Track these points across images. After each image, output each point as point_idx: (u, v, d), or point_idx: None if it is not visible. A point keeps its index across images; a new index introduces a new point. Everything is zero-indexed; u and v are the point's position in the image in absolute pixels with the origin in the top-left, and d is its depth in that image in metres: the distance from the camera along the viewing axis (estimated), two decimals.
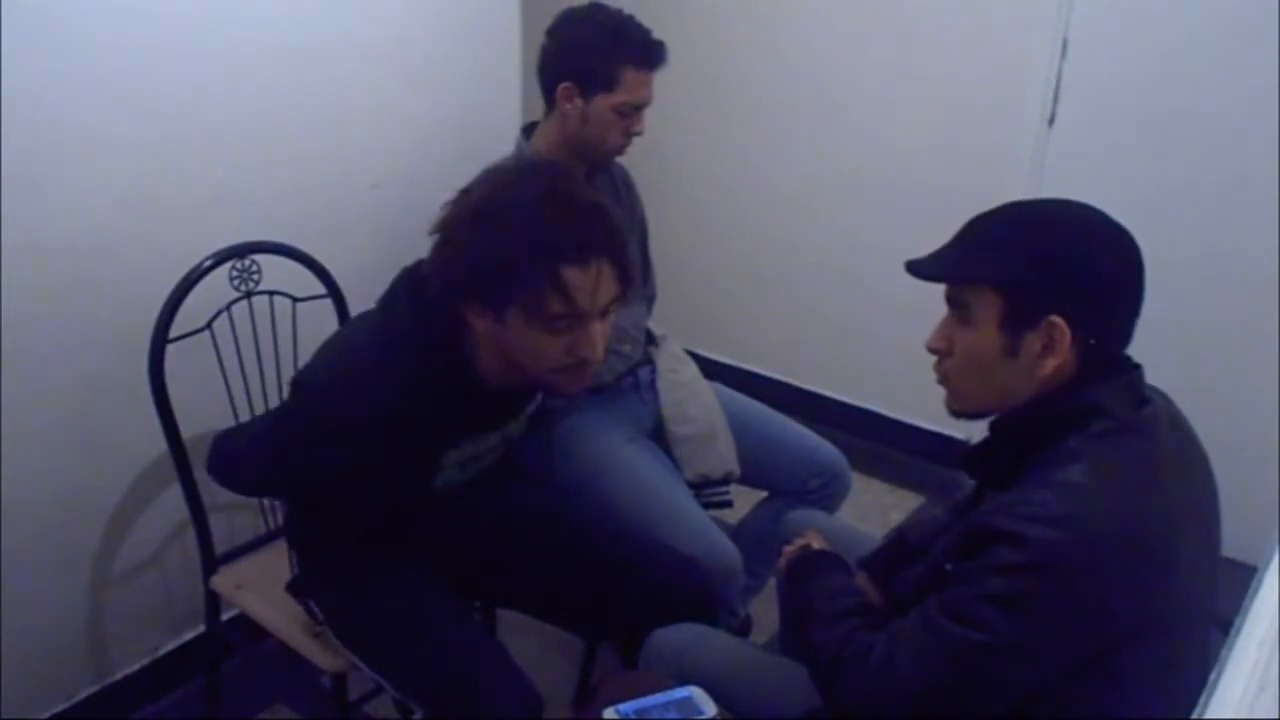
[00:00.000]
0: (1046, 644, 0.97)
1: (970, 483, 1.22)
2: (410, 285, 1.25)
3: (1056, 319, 1.00)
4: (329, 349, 1.29)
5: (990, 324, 1.04)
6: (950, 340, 1.09)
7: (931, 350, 1.12)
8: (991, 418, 1.12)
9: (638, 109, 1.69)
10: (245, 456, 1.40)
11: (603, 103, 1.66)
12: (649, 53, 1.66)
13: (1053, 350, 1.02)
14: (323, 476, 1.27)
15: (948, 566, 1.04)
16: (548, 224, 1.11)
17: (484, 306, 1.15)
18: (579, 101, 1.68)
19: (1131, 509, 0.97)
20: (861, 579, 1.30)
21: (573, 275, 1.11)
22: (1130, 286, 1.04)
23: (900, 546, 1.33)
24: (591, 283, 1.13)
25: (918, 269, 1.09)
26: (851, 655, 1.07)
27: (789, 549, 1.35)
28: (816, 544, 1.33)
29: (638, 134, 1.72)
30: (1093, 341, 1.02)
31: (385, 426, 1.18)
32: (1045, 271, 1.02)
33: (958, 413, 1.13)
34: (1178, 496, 1.01)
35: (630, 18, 1.69)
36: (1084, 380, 1.03)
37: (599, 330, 1.17)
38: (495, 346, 1.21)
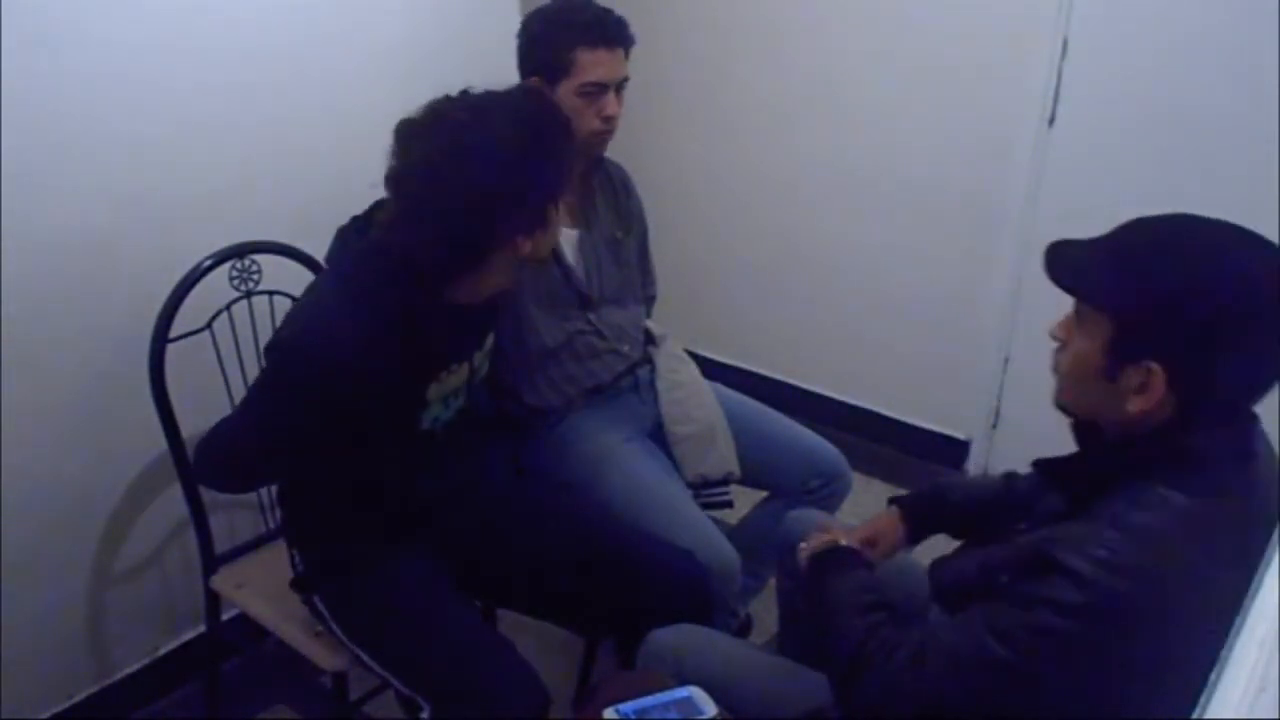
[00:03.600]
0: (1084, 686, 0.95)
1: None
2: (354, 237, 1.34)
3: (1155, 365, 0.95)
4: (295, 310, 1.32)
5: (1098, 341, 1.01)
6: (1068, 335, 1.07)
7: (1053, 337, 1.09)
8: (1080, 433, 1.10)
9: (603, 88, 1.65)
10: (230, 437, 1.32)
11: (566, 88, 1.65)
12: (598, 30, 1.64)
13: (1145, 392, 0.97)
14: (314, 426, 1.26)
15: (1004, 578, 1.02)
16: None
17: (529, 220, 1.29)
18: (548, 95, 1.68)
19: (1205, 575, 0.93)
20: (889, 514, 1.32)
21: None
22: (1261, 347, 0.95)
23: (938, 502, 1.34)
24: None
25: (1054, 266, 1.03)
26: (876, 651, 1.06)
27: (811, 542, 1.33)
28: (844, 540, 1.31)
29: (611, 115, 1.68)
30: (1192, 393, 0.97)
31: (368, 357, 1.21)
32: (1157, 314, 0.96)
33: (1060, 406, 1.10)
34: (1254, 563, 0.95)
35: (587, 3, 1.68)
36: (1184, 424, 0.98)
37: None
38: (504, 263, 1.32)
